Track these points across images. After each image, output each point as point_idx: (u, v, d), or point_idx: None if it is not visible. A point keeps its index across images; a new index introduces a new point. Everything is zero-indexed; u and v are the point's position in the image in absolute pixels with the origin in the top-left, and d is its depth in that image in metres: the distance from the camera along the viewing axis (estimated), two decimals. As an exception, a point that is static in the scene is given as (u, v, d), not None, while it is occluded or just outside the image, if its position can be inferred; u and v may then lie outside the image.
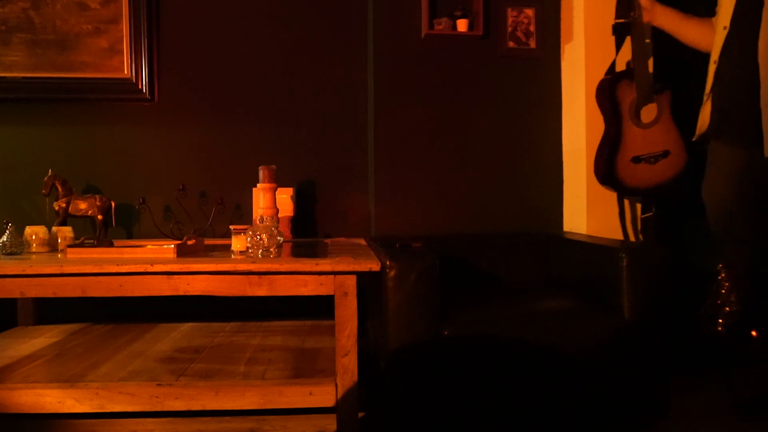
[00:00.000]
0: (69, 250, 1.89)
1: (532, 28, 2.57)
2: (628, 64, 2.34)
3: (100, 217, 2.31)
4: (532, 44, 2.58)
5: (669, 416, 1.88)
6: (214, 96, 2.64)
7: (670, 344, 1.88)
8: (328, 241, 2.48)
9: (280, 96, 2.66)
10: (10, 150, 2.58)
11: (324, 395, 1.71)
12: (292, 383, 1.73)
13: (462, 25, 2.49)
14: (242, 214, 2.62)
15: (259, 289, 1.72)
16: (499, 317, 1.88)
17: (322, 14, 2.66)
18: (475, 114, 2.58)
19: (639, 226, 2.38)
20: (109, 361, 1.98)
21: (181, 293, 1.72)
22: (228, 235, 2.13)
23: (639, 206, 2.41)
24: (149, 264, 1.68)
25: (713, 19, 1.99)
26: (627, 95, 2.24)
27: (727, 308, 1.80)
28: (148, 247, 1.96)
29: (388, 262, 1.75)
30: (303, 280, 1.72)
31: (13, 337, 2.31)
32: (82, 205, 2.31)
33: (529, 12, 2.57)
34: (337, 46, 2.67)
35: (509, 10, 2.56)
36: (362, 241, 2.39)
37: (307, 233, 2.65)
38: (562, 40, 2.59)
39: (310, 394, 1.71)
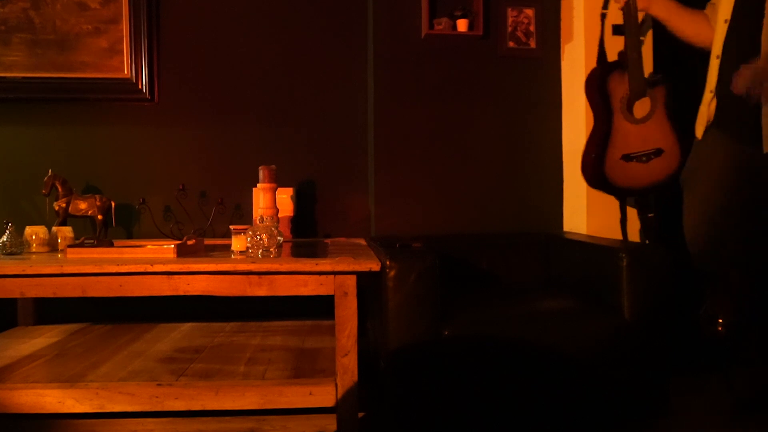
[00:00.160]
0: (69, 250, 1.89)
1: (532, 28, 2.57)
2: (621, 54, 2.20)
3: (100, 217, 2.31)
4: (532, 44, 2.58)
5: (669, 416, 1.88)
6: (214, 96, 2.64)
7: (670, 344, 1.88)
8: (328, 241, 2.48)
9: (280, 96, 2.66)
10: (10, 150, 2.58)
11: (324, 395, 1.71)
12: (292, 383, 1.73)
13: (462, 25, 2.49)
14: (242, 214, 2.62)
15: (259, 289, 1.72)
16: (499, 317, 1.88)
17: (322, 14, 2.67)
18: (475, 114, 2.58)
19: (639, 226, 2.34)
20: (109, 361, 1.98)
21: (181, 293, 1.72)
22: (228, 235, 2.13)
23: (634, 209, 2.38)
24: (149, 264, 1.68)
25: (707, 11, 1.95)
26: (619, 87, 2.12)
27: (728, 308, 1.80)
28: (148, 247, 1.96)
29: (388, 262, 1.75)
30: (303, 280, 1.72)
31: (13, 337, 2.31)
32: (82, 205, 2.31)
33: (529, 12, 2.57)
34: (337, 46, 2.67)
35: (509, 10, 2.56)
36: (362, 241, 2.39)
37: (307, 233, 2.65)
38: (562, 40, 2.59)
39: (310, 394, 1.71)
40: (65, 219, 2.29)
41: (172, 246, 1.82)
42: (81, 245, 1.91)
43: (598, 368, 1.83)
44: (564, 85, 2.59)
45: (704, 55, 1.90)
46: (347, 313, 1.71)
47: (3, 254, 1.93)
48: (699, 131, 1.87)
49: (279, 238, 1.83)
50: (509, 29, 2.56)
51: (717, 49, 1.81)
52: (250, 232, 1.82)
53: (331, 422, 1.74)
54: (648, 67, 2.38)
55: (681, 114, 2.12)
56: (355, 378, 1.71)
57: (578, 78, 2.43)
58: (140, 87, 2.58)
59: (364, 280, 1.75)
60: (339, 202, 2.69)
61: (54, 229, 2.12)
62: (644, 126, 2.12)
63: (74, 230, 2.15)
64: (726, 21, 1.77)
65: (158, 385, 1.71)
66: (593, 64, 2.29)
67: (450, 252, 2.33)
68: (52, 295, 1.72)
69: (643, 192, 2.21)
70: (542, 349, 1.80)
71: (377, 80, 2.53)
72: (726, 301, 1.77)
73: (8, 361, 1.99)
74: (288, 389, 1.71)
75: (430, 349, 1.76)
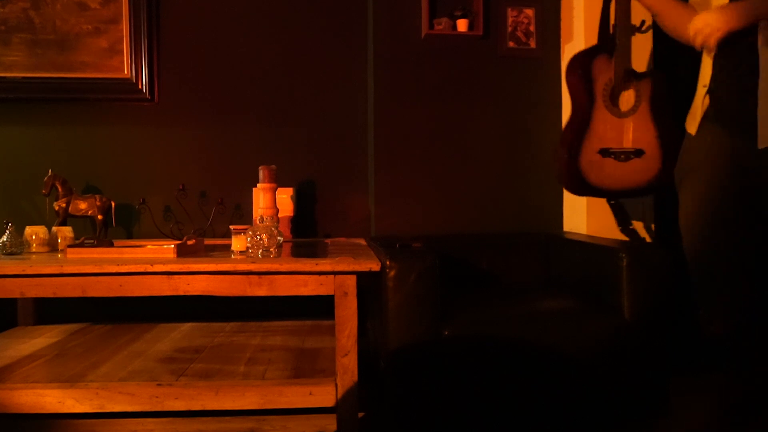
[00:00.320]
0: (69, 250, 1.89)
1: (532, 28, 2.57)
2: (612, 37, 2.04)
3: (100, 217, 2.31)
4: (532, 44, 2.58)
5: (669, 416, 1.88)
6: (214, 96, 2.64)
7: (670, 344, 1.88)
8: (328, 241, 2.48)
9: (280, 96, 2.66)
10: (10, 150, 2.58)
11: (324, 395, 1.71)
12: (292, 383, 1.73)
13: (462, 25, 2.49)
14: (242, 214, 2.62)
15: (259, 289, 1.72)
16: (499, 317, 1.88)
17: (322, 14, 2.66)
18: (475, 114, 2.58)
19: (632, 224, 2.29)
20: (109, 361, 1.98)
21: (181, 293, 1.72)
22: (228, 235, 2.13)
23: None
24: (149, 264, 1.68)
25: (691, 3, 1.89)
26: (603, 73, 1.95)
27: (727, 309, 1.79)
28: (148, 247, 1.96)
29: (388, 262, 1.75)
30: (303, 280, 1.72)
31: (13, 337, 2.31)
32: (82, 205, 2.31)
33: (529, 12, 2.57)
34: (337, 46, 2.67)
35: (509, 10, 2.56)
36: (362, 241, 2.39)
37: (307, 233, 2.65)
38: (562, 40, 2.59)
39: (310, 394, 1.71)
40: (65, 219, 2.29)
41: (172, 246, 1.82)
42: (81, 245, 1.91)
43: (598, 368, 1.84)
44: (564, 85, 2.59)
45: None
46: (347, 313, 1.71)
47: (3, 254, 1.93)
48: (692, 127, 1.81)
49: (279, 238, 1.83)
50: (509, 29, 2.56)
51: None
52: (250, 232, 1.82)
53: (331, 422, 1.74)
54: (644, 65, 2.38)
55: (676, 113, 1.96)
56: (355, 378, 1.71)
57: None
58: (140, 87, 2.58)
59: (364, 280, 1.75)
60: (339, 202, 2.69)
61: (54, 229, 2.12)
62: (627, 121, 1.97)
63: (74, 230, 2.15)
64: None
65: (158, 385, 1.71)
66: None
67: (450, 252, 2.33)
68: (52, 295, 1.72)
69: (616, 196, 2.06)
70: (542, 349, 1.80)
71: (377, 80, 2.53)
72: (725, 302, 1.77)
73: (8, 361, 1.99)
74: (288, 389, 1.71)
75: (430, 349, 1.76)
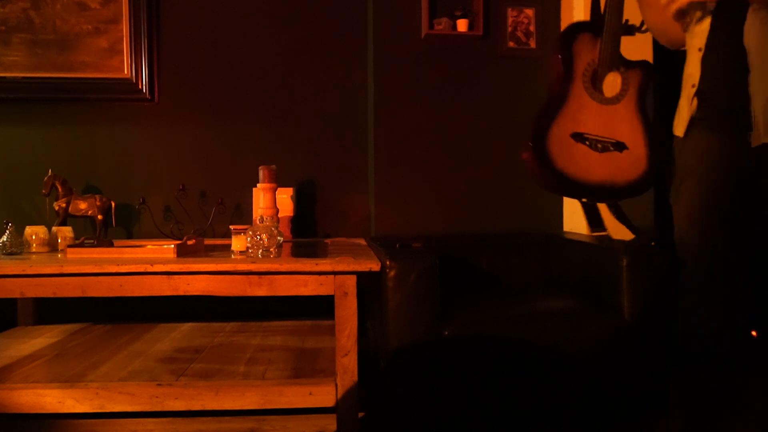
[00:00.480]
0: (69, 250, 1.89)
1: (532, 28, 2.57)
2: (599, 15, 1.86)
3: (100, 217, 2.31)
4: (532, 44, 2.58)
5: (669, 416, 1.88)
6: (214, 96, 2.64)
7: (670, 344, 1.88)
8: (328, 241, 2.48)
9: (280, 96, 2.66)
10: (10, 150, 2.58)
11: (324, 395, 1.71)
12: (292, 383, 1.73)
13: (462, 25, 2.49)
14: (242, 214, 2.62)
15: (259, 289, 1.72)
16: (499, 317, 1.88)
17: (322, 14, 2.67)
18: (475, 114, 2.58)
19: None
20: (109, 361, 1.98)
21: (181, 293, 1.72)
22: (228, 235, 2.13)
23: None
24: (149, 264, 1.68)
25: None
26: (586, 52, 1.78)
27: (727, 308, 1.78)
28: (148, 247, 1.96)
29: (388, 262, 1.75)
30: (303, 280, 1.72)
31: (13, 337, 2.31)
32: (82, 205, 2.31)
33: (529, 12, 2.57)
34: (337, 46, 2.67)
35: (509, 10, 2.56)
36: (362, 241, 2.39)
37: (307, 233, 2.65)
38: (562, 40, 2.59)
39: (310, 394, 1.71)
40: (65, 219, 2.29)
41: (172, 246, 1.82)
42: (81, 245, 1.91)
43: (598, 368, 1.83)
44: (564, 85, 2.58)
45: None
46: (347, 313, 1.71)
47: (3, 254, 1.93)
48: (680, 129, 1.70)
49: (279, 238, 1.83)
50: (509, 29, 2.56)
51: (700, 41, 1.73)
52: (250, 232, 1.82)
53: (331, 422, 1.74)
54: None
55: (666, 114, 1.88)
56: (355, 378, 1.71)
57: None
58: (140, 87, 2.58)
59: (364, 280, 1.75)
60: (339, 202, 2.69)
61: (54, 229, 2.12)
62: (609, 109, 1.76)
63: (74, 230, 2.15)
64: (710, 11, 1.70)
65: (158, 385, 1.71)
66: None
67: (450, 252, 2.33)
68: (52, 295, 1.72)
69: (588, 192, 1.83)
70: (542, 349, 1.80)
71: (377, 80, 2.53)
72: (720, 308, 1.75)
73: (8, 361, 1.98)
74: (288, 389, 1.71)
75: (430, 349, 1.76)
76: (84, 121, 2.60)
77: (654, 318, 1.86)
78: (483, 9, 2.50)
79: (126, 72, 2.58)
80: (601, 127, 1.75)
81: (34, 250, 2.04)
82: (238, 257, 1.81)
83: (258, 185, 2.31)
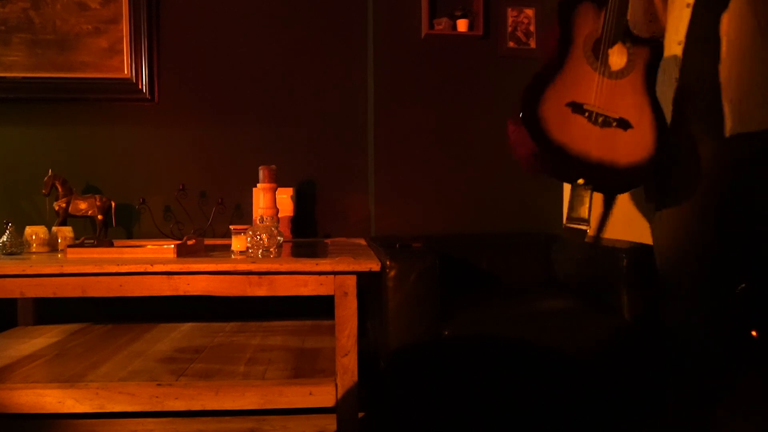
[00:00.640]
0: (69, 250, 1.89)
1: (532, 28, 2.57)
2: None
3: (100, 217, 2.31)
4: (532, 44, 2.58)
5: (669, 416, 1.87)
6: (214, 96, 2.64)
7: (669, 344, 1.88)
8: (328, 241, 2.48)
9: (280, 96, 2.66)
10: (10, 150, 2.58)
11: (324, 395, 1.71)
12: (292, 383, 1.73)
13: (462, 25, 2.49)
14: (242, 214, 2.62)
15: (259, 289, 1.72)
16: (499, 317, 1.88)
17: (322, 14, 2.67)
18: (475, 114, 2.58)
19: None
20: (109, 361, 1.98)
21: (181, 293, 1.72)
22: (228, 235, 2.13)
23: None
24: (149, 264, 1.68)
25: None
26: (586, 23, 1.63)
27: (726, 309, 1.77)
28: (148, 247, 1.96)
29: (388, 262, 1.75)
30: (303, 280, 1.72)
31: (13, 337, 2.31)
32: (82, 205, 2.31)
33: (529, 12, 2.57)
34: (337, 46, 2.67)
35: (509, 10, 2.56)
36: (362, 241, 2.39)
37: (307, 233, 2.66)
38: (562, 40, 2.59)
39: (310, 394, 1.71)
40: (65, 219, 2.29)
41: (172, 246, 1.82)
42: (81, 245, 1.91)
43: (597, 368, 1.83)
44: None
45: None
46: (347, 313, 1.71)
47: (3, 254, 1.93)
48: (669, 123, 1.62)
49: (279, 238, 1.83)
50: (509, 29, 2.56)
51: (680, 35, 1.67)
52: (250, 232, 1.82)
53: (331, 422, 1.74)
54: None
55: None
56: (355, 378, 1.71)
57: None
58: (140, 87, 2.58)
59: (364, 280, 1.75)
60: (339, 202, 2.69)
61: (54, 229, 2.12)
62: (613, 83, 1.60)
63: (74, 230, 2.15)
64: (688, 5, 1.64)
65: (158, 385, 1.71)
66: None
67: (450, 252, 2.33)
68: (52, 295, 1.72)
69: (586, 171, 1.63)
70: (542, 349, 1.80)
71: (377, 80, 2.53)
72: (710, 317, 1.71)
73: (8, 361, 1.99)
74: (288, 389, 1.71)
75: (430, 349, 1.76)
76: (84, 121, 2.60)
77: (654, 318, 1.86)
78: (483, 9, 2.50)
79: (126, 72, 2.58)
80: (603, 101, 1.58)
81: (34, 250, 2.04)
82: (238, 257, 1.81)
83: (258, 185, 2.31)
